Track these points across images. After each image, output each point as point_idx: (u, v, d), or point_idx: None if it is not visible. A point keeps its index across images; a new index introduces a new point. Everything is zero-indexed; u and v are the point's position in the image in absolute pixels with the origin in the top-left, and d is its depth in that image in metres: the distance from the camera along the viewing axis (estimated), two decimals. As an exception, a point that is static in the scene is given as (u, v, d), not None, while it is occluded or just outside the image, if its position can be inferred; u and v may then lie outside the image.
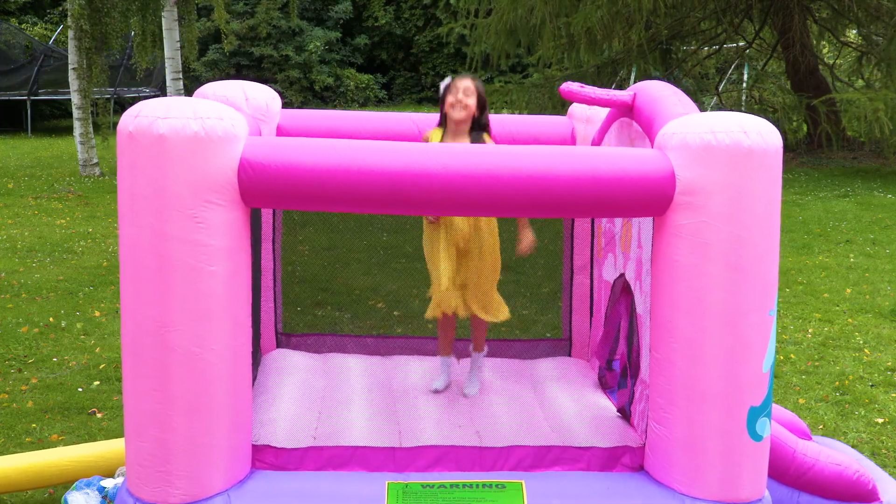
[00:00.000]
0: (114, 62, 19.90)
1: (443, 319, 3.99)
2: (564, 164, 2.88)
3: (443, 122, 3.87)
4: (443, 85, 3.87)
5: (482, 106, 3.81)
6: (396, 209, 2.93)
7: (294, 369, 4.07)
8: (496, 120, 4.23)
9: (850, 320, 6.97)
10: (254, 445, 3.14)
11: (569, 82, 3.52)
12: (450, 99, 3.78)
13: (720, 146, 2.82)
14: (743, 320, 2.89)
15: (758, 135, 2.84)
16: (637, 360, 3.41)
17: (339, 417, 3.56)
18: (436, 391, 3.92)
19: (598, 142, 3.96)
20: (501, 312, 3.95)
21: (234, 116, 2.84)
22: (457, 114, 3.77)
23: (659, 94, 3.33)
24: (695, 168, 2.85)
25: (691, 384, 2.94)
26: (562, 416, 3.65)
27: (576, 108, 4.32)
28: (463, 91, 3.77)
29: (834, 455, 3.61)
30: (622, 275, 3.77)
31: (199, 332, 2.81)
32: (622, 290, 3.76)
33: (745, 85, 19.87)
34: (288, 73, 28.59)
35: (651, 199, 2.89)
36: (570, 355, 4.47)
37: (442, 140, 3.82)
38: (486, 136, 3.82)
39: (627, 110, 3.54)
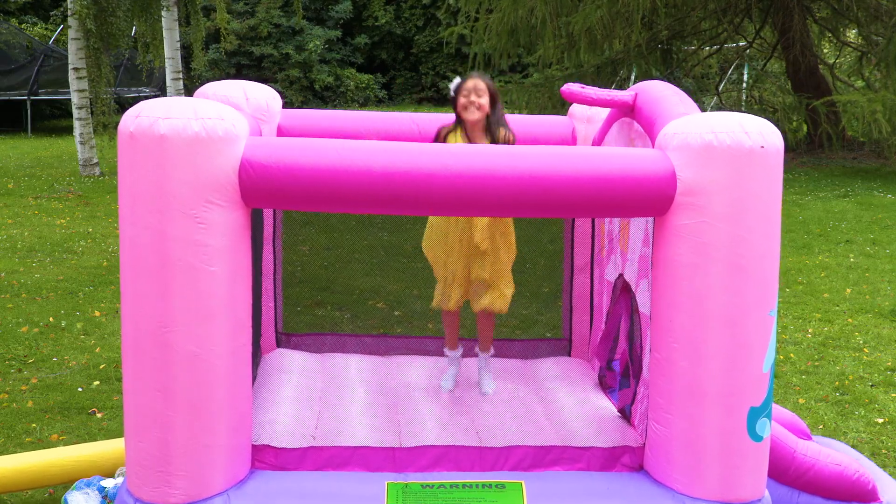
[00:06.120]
0: (115, 62, 19.88)
1: (447, 314, 4.02)
2: (565, 164, 2.88)
3: (458, 122, 3.89)
4: (452, 86, 3.89)
5: (494, 101, 3.83)
6: (397, 209, 2.93)
7: (294, 369, 4.07)
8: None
9: (850, 320, 6.97)
10: (253, 445, 3.14)
11: (569, 84, 3.52)
12: (462, 101, 3.81)
13: (721, 146, 2.82)
14: (743, 320, 2.88)
15: (759, 135, 2.84)
16: (639, 359, 3.41)
17: (339, 417, 3.56)
18: (445, 390, 3.93)
19: (598, 142, 3.96)
20: (504, 295, 3.91)
21: (234, 116, 2.83)
22: (471, 115, 3.80)
23: (660, 94, 3.33)
24: (696, 168, 2.85)
25: (691, 384, 2.94)
26: (561, 416, 3.64)
27: (576, 108, 4.32)
28: (474, 91, 3.80)
29: (834, 455, 3.60)
30: (621, 275, 3.77)
31: (199, 333, 2.81)
32: (622, 289, 3.76)
33: (745, 85, 19.88)
34: (288, 73, 28.59)
35: (652, 200, 2.89)
36: (569, 355, 4.47)
37: (461, 141, 3.84)
38: (503, 131, 3.84)
39: (628, 110, 3.54)
